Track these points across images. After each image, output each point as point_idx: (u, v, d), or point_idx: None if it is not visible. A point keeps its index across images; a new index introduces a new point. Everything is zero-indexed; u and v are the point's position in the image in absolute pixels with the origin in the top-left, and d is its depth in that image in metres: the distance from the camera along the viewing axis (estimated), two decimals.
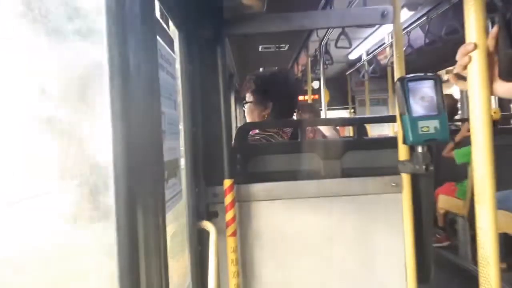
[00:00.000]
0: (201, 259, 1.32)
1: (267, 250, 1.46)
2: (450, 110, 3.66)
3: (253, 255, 1.46)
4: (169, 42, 1.11)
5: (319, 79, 4.53)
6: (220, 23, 1.39)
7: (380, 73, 5.33)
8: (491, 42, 0.92)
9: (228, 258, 1.35)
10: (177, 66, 1.22)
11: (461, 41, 0.96)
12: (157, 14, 0.99)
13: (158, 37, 0.92)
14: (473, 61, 0.92)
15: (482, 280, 0.94)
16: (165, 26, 1.08)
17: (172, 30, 1.18)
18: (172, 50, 1.14)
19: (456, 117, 4.04)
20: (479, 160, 0.92)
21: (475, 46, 0.91)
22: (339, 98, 7.38)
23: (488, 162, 0.91)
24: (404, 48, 1.41)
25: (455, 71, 0.98)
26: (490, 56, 0.92)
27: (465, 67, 0.94)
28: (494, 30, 0.93)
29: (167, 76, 1.06)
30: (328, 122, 3.44)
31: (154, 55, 0.86)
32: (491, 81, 0.93)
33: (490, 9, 2.63)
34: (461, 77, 0.98)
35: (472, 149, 0.94)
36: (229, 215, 1.35)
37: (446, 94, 3.92)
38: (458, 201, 3.06)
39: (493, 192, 0.91)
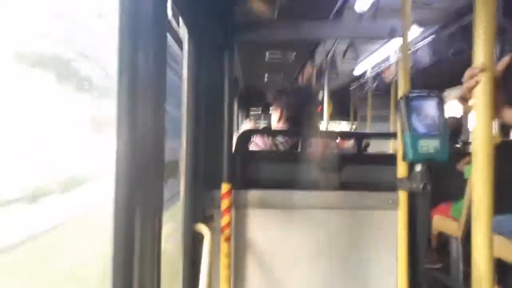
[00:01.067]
0: (194, 261, 1.32)
1: (260, 257, 1.46)
2: (454, 131, 3.66)
3: (245, 261, 1.45)
4: (178, 42, 1.11)
5: (323, 91, 4.54)
6: (230, 28, 1.40)
7: (384, 90, 5.35)
8: (500, 69, 0.93)
9: (221, 262, 1.35)
10: (184, 67, 1.23)
11: (467, 62, 0.96)
12: (169, 14, 1.00)
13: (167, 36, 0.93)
14: (479, 84, 0.92)
15: None
16: (176, 26, 1.09)
17: (182, 31, 1.18)
18: (181, 50, 1.15)
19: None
20: (479, 182, 0.92)
21: (483, 70, 0.91)
22: (341, 111, 7.39)
23: (488, 184, 0.91)
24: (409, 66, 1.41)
25: (461, 93, 0.99)
26: (497, 81, 0.93)
27: (471, 90, 0.94)
28: (506, 59, 0.93)
29: (173, 76, 1.06)
30: (328, 135, 3.43)
31: (163, 55, 0.87)
32: (497, 105, 0.94)
33: (499, 32, 2.63)
34: (467, 99, 0.99)
35: (472, 171, 0.94)
36: (225, 220, 1.35)
37: (451, 116, 3.93)
38: (452, 223, 3.06)
39: (491, 214, 0.91)
